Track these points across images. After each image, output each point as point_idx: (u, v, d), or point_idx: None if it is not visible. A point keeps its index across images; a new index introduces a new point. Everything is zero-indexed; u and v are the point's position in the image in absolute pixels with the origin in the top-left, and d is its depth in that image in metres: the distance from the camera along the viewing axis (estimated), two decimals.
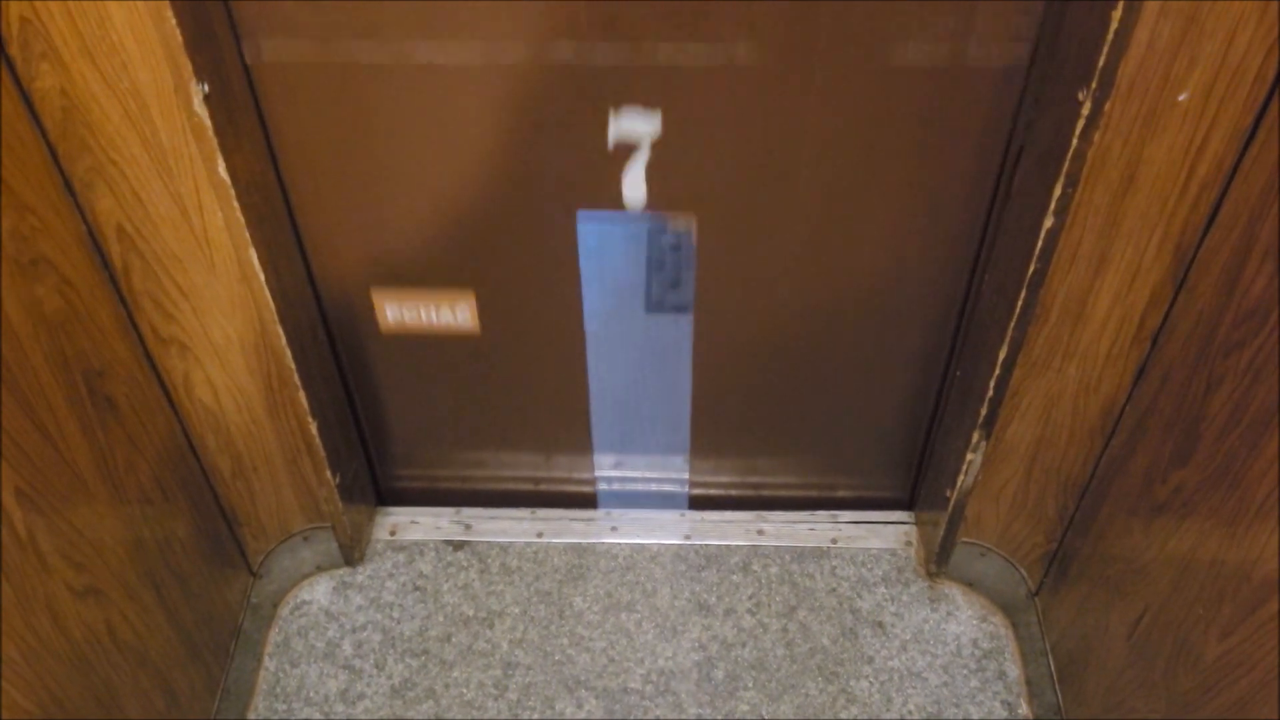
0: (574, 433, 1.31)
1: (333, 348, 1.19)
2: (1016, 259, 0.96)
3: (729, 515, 1.38)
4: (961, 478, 1.16)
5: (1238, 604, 0.82)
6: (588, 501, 1.40)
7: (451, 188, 1.03)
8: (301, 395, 1.10)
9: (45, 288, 0.85)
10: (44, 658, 0.86)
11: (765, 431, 1.30)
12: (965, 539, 1.29)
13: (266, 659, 1.26)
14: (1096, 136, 0.83)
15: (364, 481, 1.34)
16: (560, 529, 1.37)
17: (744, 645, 1.26)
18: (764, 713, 1.20)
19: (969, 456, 1.12)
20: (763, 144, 0.98)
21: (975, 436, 1.10)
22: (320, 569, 1.33)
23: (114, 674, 0.97)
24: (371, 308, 1.15)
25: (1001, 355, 1.01)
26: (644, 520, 1.38)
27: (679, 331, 1.16)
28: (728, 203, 1.03)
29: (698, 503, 1.40)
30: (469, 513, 1.39)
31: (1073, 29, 0.82)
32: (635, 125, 0.94)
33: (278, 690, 1.23)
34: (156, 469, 1.05)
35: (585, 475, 1.37)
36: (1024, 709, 1.21)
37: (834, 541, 1.35)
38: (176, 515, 1.11)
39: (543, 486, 1.39)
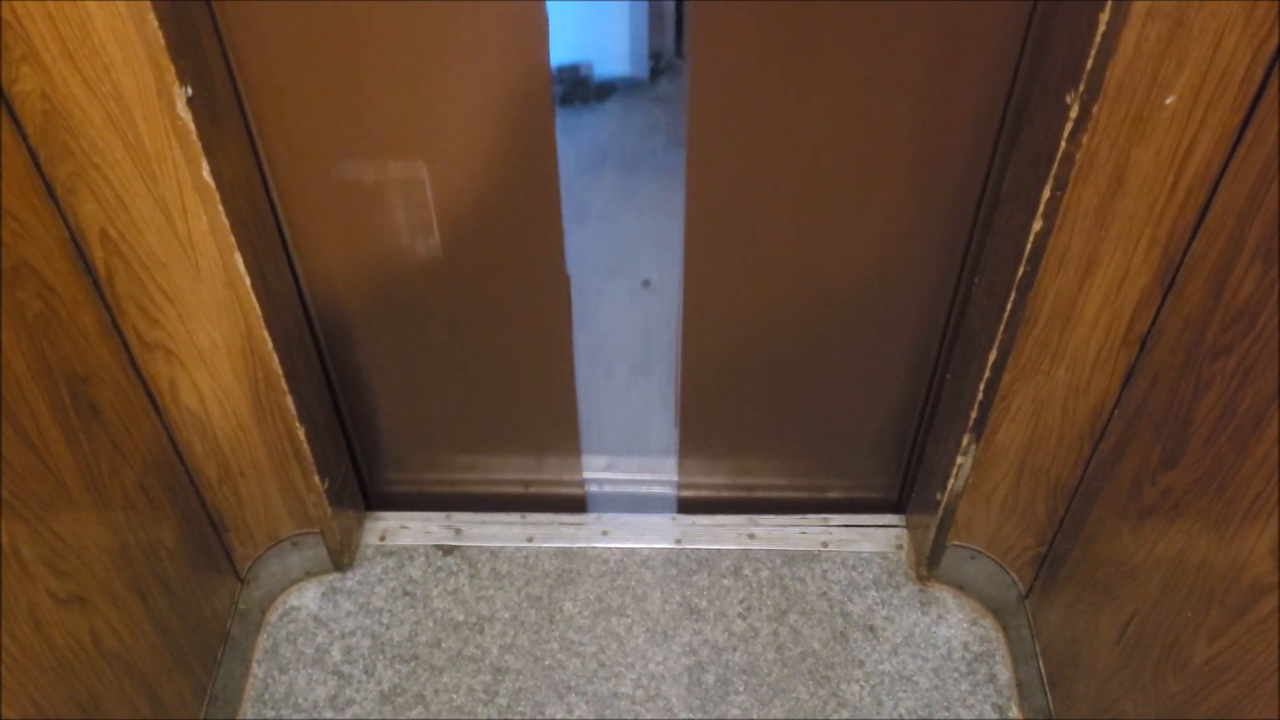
0: (563, 436, 1.30)
1: (320, 352, 1.18)
2: (1006, 262, 0.95)
3: (720, 519, 1.38)
4: (951, 481, 1.15)
5: (1226, 607, 0.82)
6: (578, 505, 1.40)
7: (441, 190, 1.02)
8: (289, 400, 1.09)
9: (27, 293, 0.85)
10: (26, 667, 0.85)
11: (756, 434, 1.30)
12: (956, 542, 1.29)
13: (255, 665, 1.25)
14: (1085, 139, 0.83)
15: (353, 486, 1.33)
16: (550, 533, 1.36)
17: (735, 649, 1.25)
18: (755, 716, 1.20)
19: (959, 459, 1.12)
20: (753, 145, 0.98)
21: (965, 439, 1.10)
22: (309, 574, 1.32)
23: (99, 682, 0.97)
24: (359, 308, 1.14)
25: (991, 358, 1.01)
26: (635, 524, 1.37)
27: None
28: (718, 206, 1.03)
29: (688, 506, 1.39)
30: (459, 517, 1.38)
31: (1060, 31, 0.82)
32: None
33: (266, 697, 1.22)
34: (141, 475, 1.04)
35: (575, 479, 1.37)
36: (1014, 712, 1.20)
37: (825, 545, 1.35)
38: (162, 522, 1.10)
39: (533, 490, 1.38)
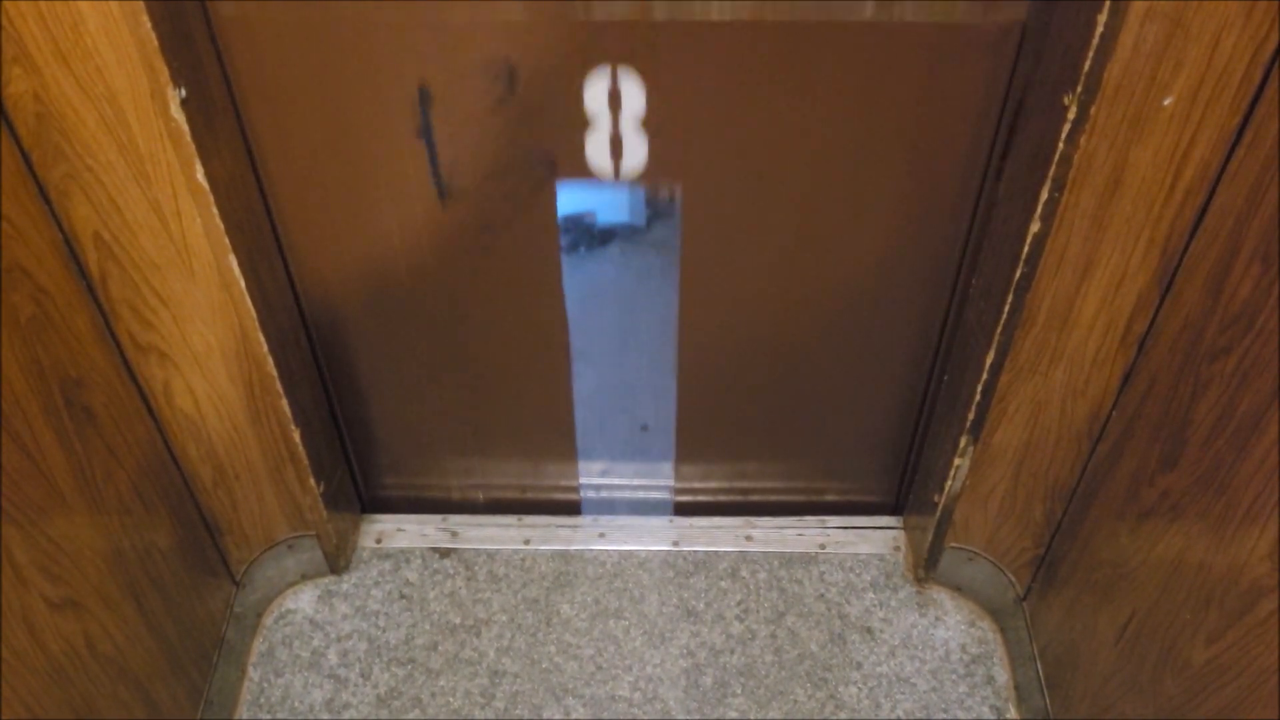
0: (560, 439, 1.30)
1: (315, 354, 1.18)
2: (1003, 263, 0.95)
3: (717, 521, 1.37)
4: (949, 482, 1.15)
5: (1225, 609, 0.82)
6: (575, 508, 1.39)
7: (434, 189, 1.02)
8: (284, 402, 1.08)
9: (20, 296, 0.84)
10: (19, 672, 0.84)
11: (753, 436, 1.29)
12: (953, 544, 1.29)
13: (250, 669, 1.24)
14: (1082, 141, 0.83)
15: (348, 489, 1.32)
16: (547, 536, 1.36)
17: (732, 652, 1.25)
18: (753, 718, 1.20)
19: (956, 461, 1.12)
20: (749, 147, 0.97)
21: (963, 441, 1.10)
22: (305, 577, 1.32)
23: (93, 687, 0.96)
24: (355, 310, 1.14)
25: (989, 360, 1.01)
26: (631, 527, 1.37)
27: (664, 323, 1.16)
28: (714, 207, 1.03)
29: (685, 509, 1.39)
30: (455, 520, 1.38)
31: (1058, 32, 0.82)
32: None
33: (262, 700, 1.22)
34: (136, 478, 1.04)
35: (572, 482, 1.36)
36: (1012, 713, 1.20)
37: (822, 547, 1.35)
38: (157, 525, 1.09)
39: (529, 493, 1.38)
